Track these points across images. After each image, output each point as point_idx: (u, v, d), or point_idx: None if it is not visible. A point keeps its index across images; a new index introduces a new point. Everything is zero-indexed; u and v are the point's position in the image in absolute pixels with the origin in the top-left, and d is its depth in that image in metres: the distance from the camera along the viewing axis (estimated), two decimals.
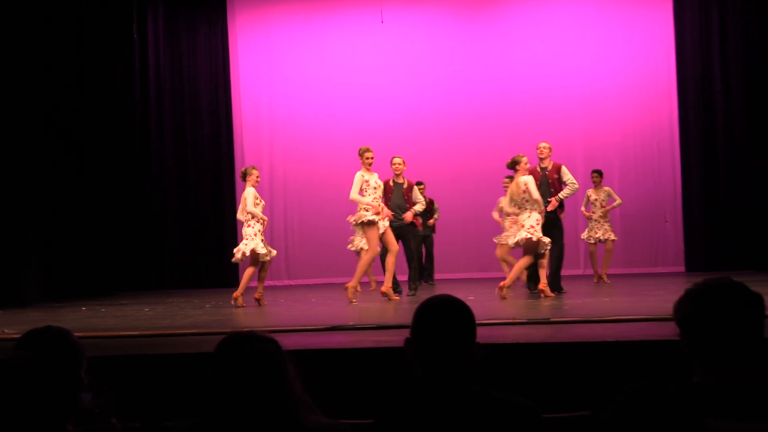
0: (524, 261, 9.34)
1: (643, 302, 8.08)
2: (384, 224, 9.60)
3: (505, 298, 8.90)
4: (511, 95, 14.36)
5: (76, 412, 2.56)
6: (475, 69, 14.50)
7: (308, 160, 14.41)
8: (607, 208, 11.72)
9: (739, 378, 2.19)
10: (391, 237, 9.66)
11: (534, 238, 9.14)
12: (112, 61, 14.01)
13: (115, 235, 13.69)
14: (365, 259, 9.75)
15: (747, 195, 13.14)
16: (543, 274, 9.45)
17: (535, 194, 9.21)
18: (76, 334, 2.91)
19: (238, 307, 9.31)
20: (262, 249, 9.48)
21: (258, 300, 9.60)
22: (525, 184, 9.29)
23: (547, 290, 9.23)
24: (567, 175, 9.83)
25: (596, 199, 11.79)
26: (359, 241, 11.41)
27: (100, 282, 13.11)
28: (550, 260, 9.79)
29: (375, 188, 9.65)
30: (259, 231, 9.61)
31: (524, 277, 10.43)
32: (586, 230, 11.93)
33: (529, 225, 9.21)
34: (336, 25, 14.75)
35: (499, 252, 11.66)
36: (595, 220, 11.78)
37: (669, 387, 2.21)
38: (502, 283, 9.13)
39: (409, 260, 10.53)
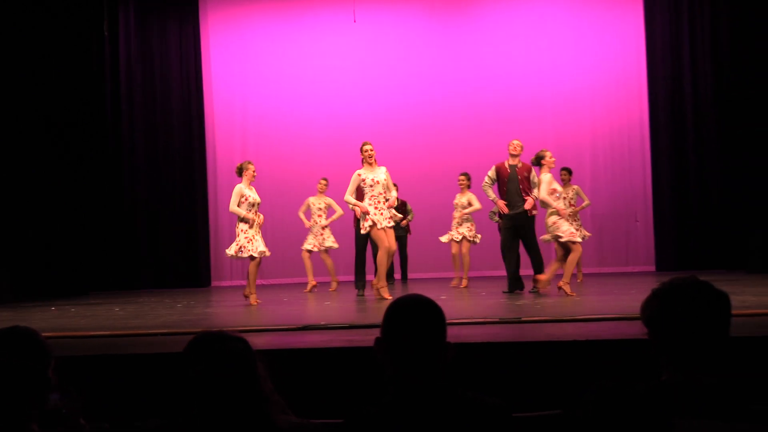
0: (572, 256, 9.33)
1: (614, 302, 8.13)
2: (377, 219, 9.42)
3: (571, 295, 8.93)
4: (484, 94, 14.41)
5: (42, 413, 2.53)
6: (448, 68, 14.54)
7: (280, 158, 14.37)
8: (577, 209, 11.73)
9: (706, 377, 2.20)
10: (381, 234, 9.47)
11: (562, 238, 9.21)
12: (83, 59, 13.88)
13: (86, 234, 13.57)
14: (381, 257, 9.48)
15: (716, 195, 13.28)
16: (554, 269, 9.43)
17: (543, 194, 9.25)
18: (44, 334, 2.88)
19: (251, 305, 9.38)
20: (231, 249, 9.55)
21: (246, 297, 9.69)
22: (540, 181, 9.37)
23: (543, 283, 9.26)
24: (536, 178, 9.88)
25: (565, 198, 11.72)
26: (312, 240, 11.87)
27: (72, 282, 12.97)
28: (509, 260, 9.90)
29: (371, 186, 9.44)
30: (242, 231, 9.51)
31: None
32: None
33: (551, 223, 9.27)
34: (309, 23, 14.73)
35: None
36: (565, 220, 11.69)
37: (637, 386, 2.22)
38: (560, 283, 9.12)
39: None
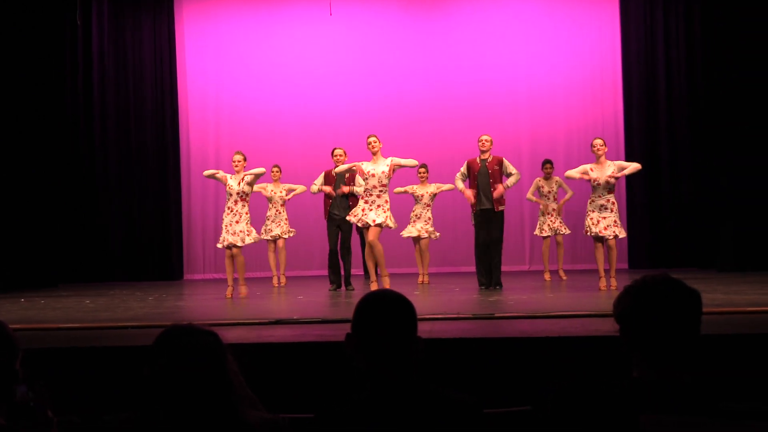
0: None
1: (586, 298, 8.18)
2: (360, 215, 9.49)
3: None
4: (458, 88, 14.42)
5: (9, 406, 2.50)
6: (423, 62, 14.54)
7: (255, 152, 14.23)
8: (561, 202, 11.67)
9: (676, 374, 2.22)
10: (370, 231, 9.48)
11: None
12: (55, 49, 13.72)
13: (57, 226, 13.44)
14: (366, 251, 9.61)
15: (689, 193, 13.38)
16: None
17: (569, 172, 9.65)
18: (12, 326, 2.84)
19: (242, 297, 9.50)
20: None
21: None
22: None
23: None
24: (510, 167, 9.92)
25: (549, 191, 11.64)
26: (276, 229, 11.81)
27: (42, 274, 12.82)
28: (478, 254, 9.95)
29: (366, 178, 9.46)
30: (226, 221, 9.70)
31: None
32: (538, 225, 11.78)
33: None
34: (284, 17, 14.67)
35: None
36: (548, 214, 11.63)
37: (606, 383, 2.23)
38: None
39: (345, 253, 10.65)
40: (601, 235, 9.36)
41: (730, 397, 2.24)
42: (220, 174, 9.79)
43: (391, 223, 9.40)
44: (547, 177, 11.74)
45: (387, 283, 9.33)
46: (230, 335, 5.13)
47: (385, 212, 9.36)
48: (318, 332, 5.55)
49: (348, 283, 10.64)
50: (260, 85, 14.65)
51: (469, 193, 9.94)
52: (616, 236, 9.38)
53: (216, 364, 2.26)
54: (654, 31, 13.85)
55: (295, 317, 6.57)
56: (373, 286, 9.34)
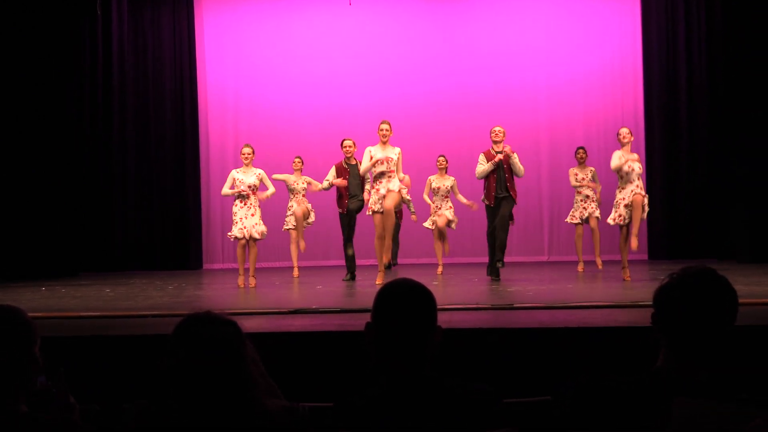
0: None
1: (605, 289, 8.15)
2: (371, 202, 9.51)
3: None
4: (477, 82, 14.34)
5: (30, 393, 2.51)
6: (444, 55, 14.48)
7: (273, 144, 14.27)
8: (595, 189, 11.44)
9: (702, 367, 2.22)
10: (375, 219, 9.44)
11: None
12: (75, 38, 13.78)
13: (78, 215, 13.53)
14: (375, 242, 9.57)
15: (708, 187, 13.28)
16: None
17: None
18: (32, 314, 2.85)
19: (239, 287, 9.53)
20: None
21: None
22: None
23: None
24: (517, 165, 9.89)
25: (583, 178, 11.42)
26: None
27: (63, 262, 12.93)
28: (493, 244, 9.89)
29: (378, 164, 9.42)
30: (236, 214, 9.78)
31: None
32: (571, 211, 11.57)
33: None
34: (303, 9, 14.62)
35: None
36: (581, 200, 11.41)
37: (626, 374, 2.23)
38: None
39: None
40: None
41: (751, 389, 2.23)
42: (236, 185, 9.74)
43: (405, 194, 9.49)
44: (581, 162, 11.52)
45: (381, 278, 9.38)
46: (250, 324, 5.14)
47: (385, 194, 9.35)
48: (338, 322, 5.55)
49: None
50: (279, 78, 14.64)
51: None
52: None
53: (235, 354, 2.26)
54: (675, 22, 13.73)
55: (313, 307, 6.58)
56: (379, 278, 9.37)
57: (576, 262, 11.59)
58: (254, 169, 9.79)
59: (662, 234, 13.50)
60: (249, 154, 9.75)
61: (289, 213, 11.81)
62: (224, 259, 14.53)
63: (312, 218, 11.84)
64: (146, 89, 14.35)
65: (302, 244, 11.34)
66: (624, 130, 9.55)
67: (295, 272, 11.67)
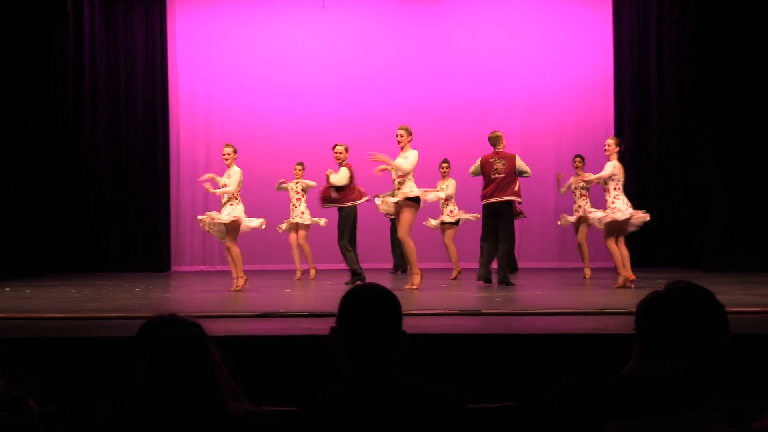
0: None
1: (573, 296, 8.21)
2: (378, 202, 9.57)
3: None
4: (452, 88, 14.38)
5: None
6: (417, 61, 14.48)
7: (245, 147, 14.13)
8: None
9: (667, 372, 2.24)
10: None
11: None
12: (46, 37, 13.64)
13: (44, 215, 13.37)
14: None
15: (677, 195, 13.41)
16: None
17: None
18: None
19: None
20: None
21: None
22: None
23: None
24: (522, 166, 9.94)
25: (577, 187, 11.49)
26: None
27: (30, 263, 12.76)
28: (485, 249, 9.90)
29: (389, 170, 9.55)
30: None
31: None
32: (572, 216, 11.62)
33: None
34: (277, 11, 14.58)
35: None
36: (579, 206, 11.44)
37: (596, 378, 2.24)
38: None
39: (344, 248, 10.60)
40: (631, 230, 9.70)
41: (715, 394, 2.24)
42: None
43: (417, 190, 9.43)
44: (578, 172, 11.40)
45: (417, 282, 9.25)
46: (217, 327, 5.10)
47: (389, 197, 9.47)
48: (305, 325, 5.53)
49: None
50: (252, 80, 14.58)
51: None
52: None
53: (199, 356, 2.24)
54: (647, 32, 13.89)
55: (281, 310, 6.55)
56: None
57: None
58: (234, 168, 9.62)
59: (631, 243, 13.56)
60: (229, 154, 9.64)
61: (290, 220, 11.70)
62: (193, 261, 14.44)
63: (321, 222, 11.74)
64: (118, 90, 14.23)
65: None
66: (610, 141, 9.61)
67: (297, 275, 11.61)
